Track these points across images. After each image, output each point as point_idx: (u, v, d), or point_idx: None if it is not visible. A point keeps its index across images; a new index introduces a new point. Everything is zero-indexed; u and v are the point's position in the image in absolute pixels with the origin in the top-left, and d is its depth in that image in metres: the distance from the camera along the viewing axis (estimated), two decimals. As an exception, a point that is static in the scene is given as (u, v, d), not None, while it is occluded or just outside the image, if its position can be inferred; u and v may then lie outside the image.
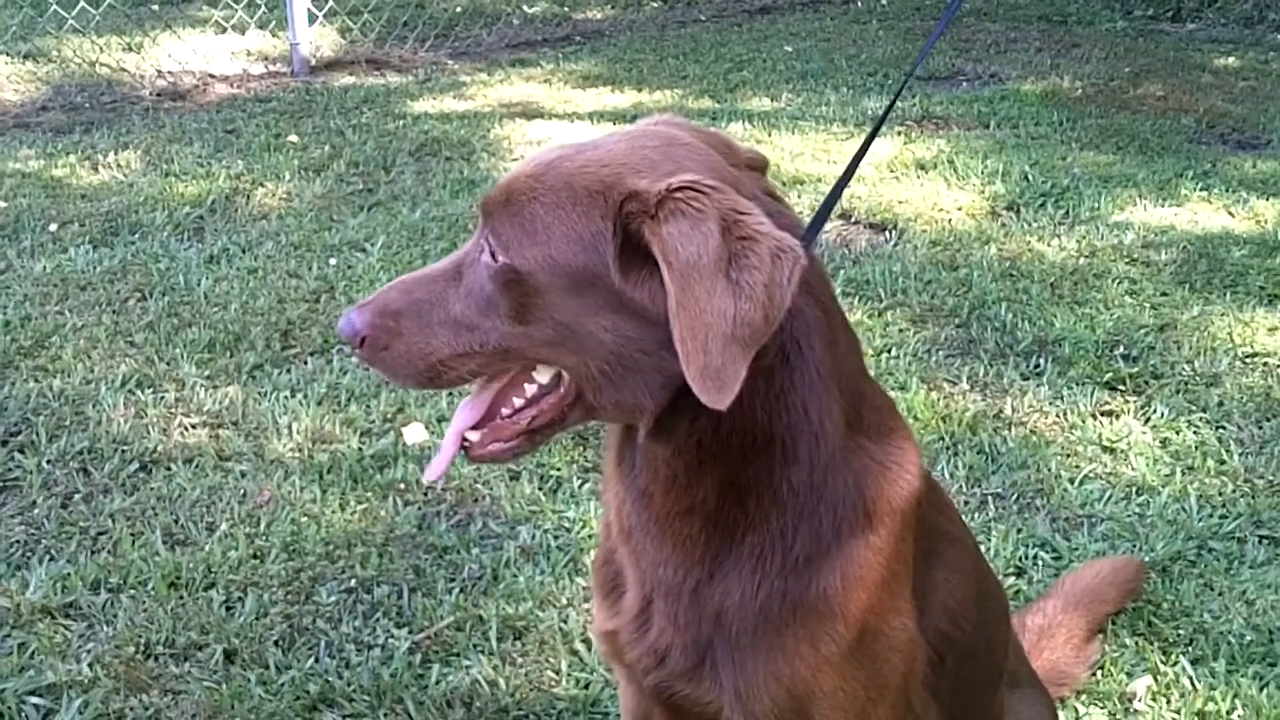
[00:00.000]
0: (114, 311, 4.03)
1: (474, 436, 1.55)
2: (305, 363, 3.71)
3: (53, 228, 4.70)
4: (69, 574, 2.79)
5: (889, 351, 3.73)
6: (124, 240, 4.60)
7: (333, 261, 4.38)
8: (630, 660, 1.61)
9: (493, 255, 1.46)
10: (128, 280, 4.26)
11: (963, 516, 2.91)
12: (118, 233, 4.68)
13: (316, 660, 2.55)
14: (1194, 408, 3.46)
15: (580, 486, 3.08)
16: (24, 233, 4.65)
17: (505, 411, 1.54)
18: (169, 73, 6.87)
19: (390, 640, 2.59)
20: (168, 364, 3.69)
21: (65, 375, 3.63)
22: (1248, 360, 3.71)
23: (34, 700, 2.45)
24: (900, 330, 3.89)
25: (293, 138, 5.78)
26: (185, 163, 5.41)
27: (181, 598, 2.73)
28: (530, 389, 1.53)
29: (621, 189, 1.39)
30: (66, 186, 5.15)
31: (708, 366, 1.32)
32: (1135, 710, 2.42)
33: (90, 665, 2.53)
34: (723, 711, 1.54)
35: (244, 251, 4.50)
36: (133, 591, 2.75)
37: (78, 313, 4.01)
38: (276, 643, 2.60)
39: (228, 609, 2.70)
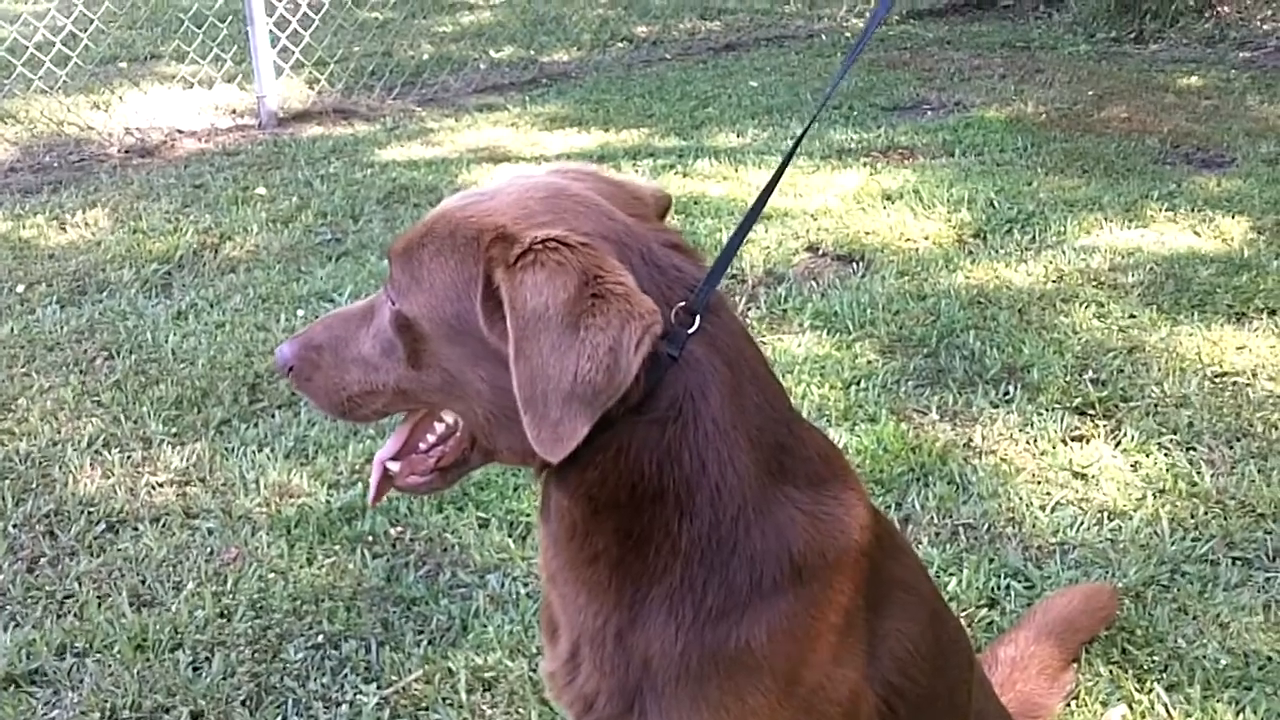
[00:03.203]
0: (81, 371, 4.01)
1: (394, 467, 1.61)
2: (273, 416, 3.69)
3: (20, 289, 4.67)
4: (34, 640, 2.76)
5: (858, 383, 3.73)
6: (91, 299, 4.58)
7: (300, 313, 4.37)
8: (565, 704, 1.60)
9: (391, 300, 1.51)
10: (95, 339, 4.23)
11: (934, 547, 2.92)
12: (85, 291, 4.66)
13: (284, 719, 2.52)
14: (1164, 430, 3.45)
15: (550, 532, 3.06)
16: (-10, 296, 4.63)
17: (421, 446, 1.59)
18: (136, 129, 6.87)
19: (359, 696, 2.56)
20: (134, 422, 3.67)
21: (31, 437, 3.60)
22: (1217, 380, 3.72)
23: (-3, 772, 2.42)
24: (869, 361, 3.88)
25: (260, 190, 5.78)
26: (153, 219, 5.40)
27: (148, 660, 2.69)
28: (439, 427, 1.57)
29: (490, 237, 1.41)
30: (34, 247, 5.13)
31: (545, 419, 1.33)
32: (1111, 740, 2.40)
33: (55, 734, 2.50)
34: None
35: (212, 306, 4.49)
36: (99, 655, 2.72)
37: (44, 374, 3.99)
38: (244, 702, 2.57)
39: (195, 670, 2.67)
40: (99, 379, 3.95)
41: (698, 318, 1.41)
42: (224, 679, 2.62)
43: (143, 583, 2.96)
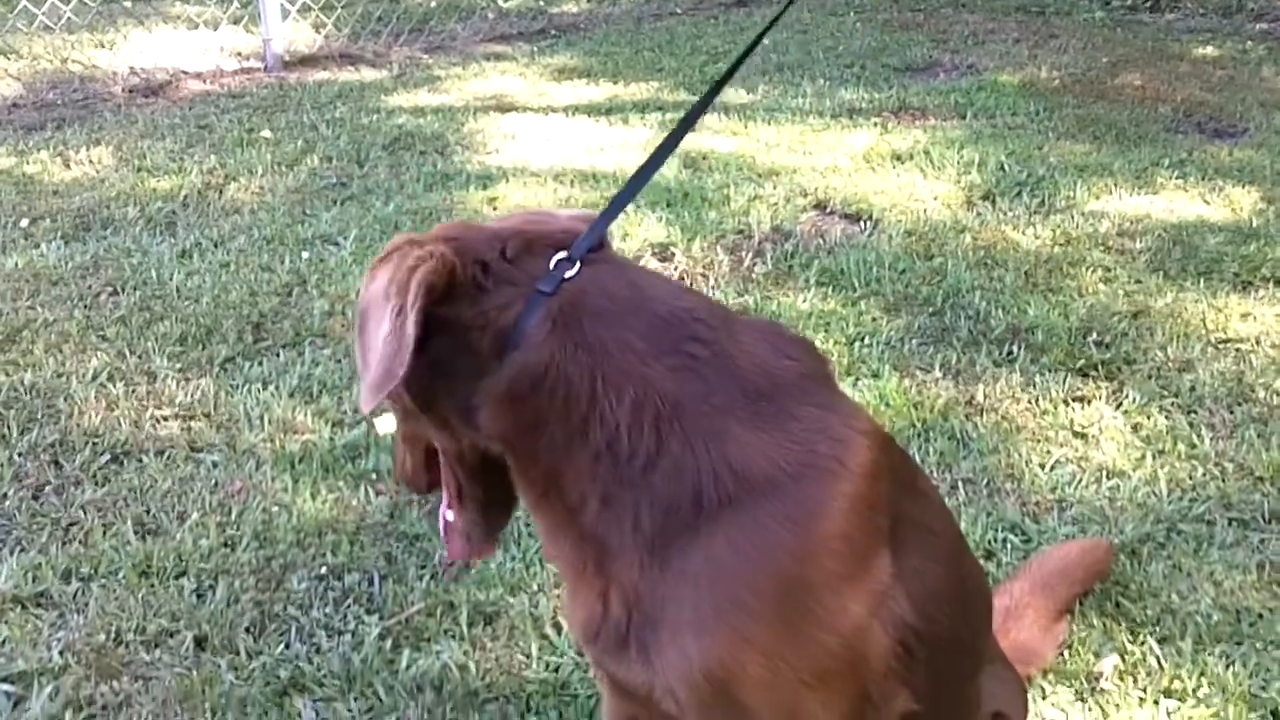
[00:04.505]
0: (86, 306, 4.01)
1: (449, 515, 1.70)
2: (277, 355, 3.69)
3: (24, 224, 4.67)
4: (40, 564, 2.78)
5: (862, 340, 3.74)
6: (96, 235, 4.58)
7: (305, 255, 4.37)
8: (577, 636, 1.58)
9: None
10: (100, 275, 4.24)
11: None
12: (90, 228, 4.65)
13: (287, 646, 2.54)
14: (1166, 393, 3.47)
15: (553, 474, 3.08)
16: (-4, 228, 4.63)
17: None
18: (141, 69, 6.84)
19: (361, 626, 2.58)
20: (139, 357, 3.68)
21: (36, 369, 3.61)
22: (1220, 346, 3.73)
23: (4, 688, 2.44)
24: (874, 319, 3.89)
25: (266, 133, 5.76)
26: (158, 158, 5.39)
27: (152, 586, 2.71)
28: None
29: None
30: (38, 183, 5.12)
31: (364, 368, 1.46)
32: (1102, 689, 2.42)
33: (61, 653, 2.52)
34: (654, 694, 1.49)
35: (216, 246, 4.48)
36: (104, 580, 2.74)
37: (49, 307, 3.99)
38: (247, 629, 2.59)
39: (198, 597, 2.69)
40: (104, 314, 3.95)
41: (578, 263, 1.49)
42: (228, 606, 2.65)
43: (147, 512, 2.98)
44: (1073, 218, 4.66)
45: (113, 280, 4.20)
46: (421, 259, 1.44)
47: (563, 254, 1.50)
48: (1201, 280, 4.13)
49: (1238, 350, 3.70)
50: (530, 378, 1.44)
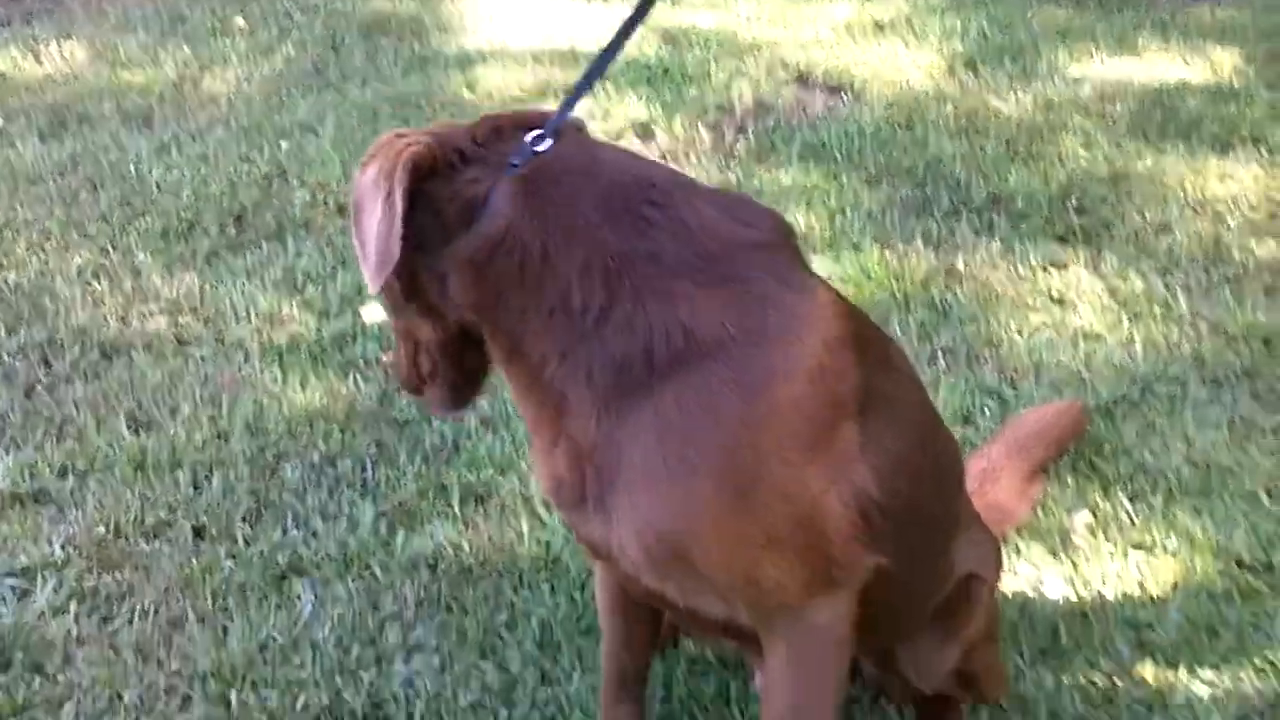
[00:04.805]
0: (66, 204, 4.00)
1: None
2: (260, 247, 3.70)
3: (-1, 122, 4.64)
4: (35, 462, 2.83)
5: (844, 212, 3.75)
6: (72, 132, 4.54)
7: (284, 145, 4.34)
8: (545, 490, 1.65)
9: None
10: (78, 172, 4.22)
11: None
12: (66, 125, 4.62)
13: (284, 533, 2.61)
14: (1143, 256, 3.50)
15: (538, 356, 3.12)
16: (-31, 128, 4.59)
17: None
18: (110, -41, 6.68)
19: (355, 511, 2.65)
20: (123, 254, 3.69)
21: (20, 269, 3.62)
22: (1198, 208, 3.75)
23: (10, 582, 2.51)
24: (855, 191, 3.90)
25: (239, 22, 5.67)
26: (131, 51, 5.31)
27: (148, 479, 2.77)
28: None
29: None
30: (9, 80, 5.06)
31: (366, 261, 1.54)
32: (1074, 544, 2.51)
33: (62, 547, 2.58)
34: (613, 553, 1.56)
35: (194, 139, 4.46)
36: (100, 475, 2.79)
37: (29, 206, 3.99)
38: (244, 518, 2.66)
39: (195, 488, 2.75)
40: (84, 211, 3.95)
41: (548, 139, 1.54)
42: (224, 496, 2.71)
43: (139, 407, 3.03)
44: (1054, 83, 4.64)
45: (91, 177, 4.18)
46: (407, 145, 1.52)
47: (536, 131, 1.56)
48: (1181, 142, 4.13)
49: (1215, 211, 3.72)
50: (490, 243, 1.50)
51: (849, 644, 1.65)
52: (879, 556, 1.61)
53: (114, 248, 3.72)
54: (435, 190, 1.53)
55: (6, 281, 3.55)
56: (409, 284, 1.59)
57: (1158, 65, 4.82)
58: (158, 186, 4.08)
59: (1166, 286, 3.36)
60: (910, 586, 1.79)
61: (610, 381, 1.48)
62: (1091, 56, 4.87)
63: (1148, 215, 3.69)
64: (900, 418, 1.68)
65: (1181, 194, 3.81)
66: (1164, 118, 4.30)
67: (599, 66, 1.67)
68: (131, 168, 4.22)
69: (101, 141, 4.44)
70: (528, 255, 1.50)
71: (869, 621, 1.65)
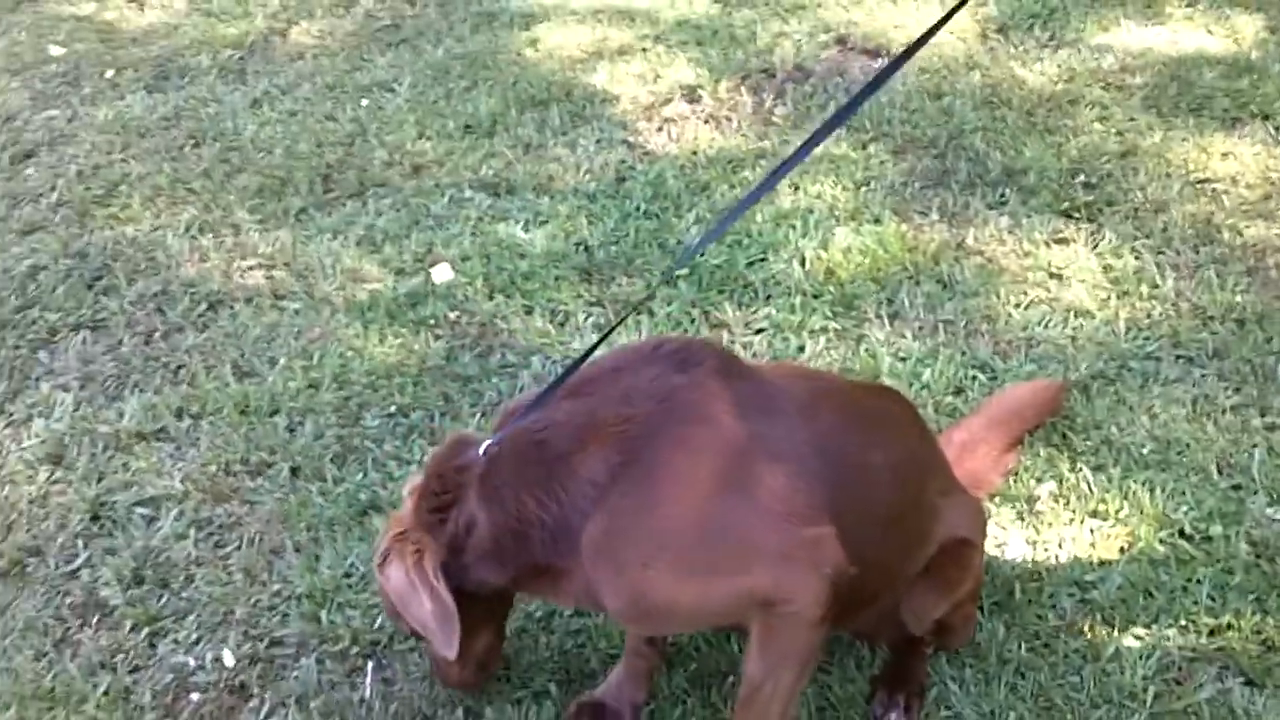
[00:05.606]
0: (172, 159, 4.47)
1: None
2: (344, 205, 4.15)
3: (109, 74, 5.10)
4: (156, 404, 3.34)
5: (868, 184, 4.09)
6: (174, 85, 5.00)
7: (364, 103, 4.76)
8: None
9: None
10: (181, 127, 4.68)
11: (915, 341, 3.36)
12: (168, 77, 5.07)
13: (365, 474, 3.09)
14: (1140, 234, 3.79)
15: (584, 320, 3.55)
16: (84, 80, 5.06)
17: None
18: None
19: (425, 457, 3.11)
20: (223, 210, 4.16)
21: (135, 223, 4.11)
22: (1198, 186, 4.01)
23: (140, 510, 3.04)
24: (881, 162, 4.23)
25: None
26: (225, 2, 5.73)
27: (251, 423, 3.27)
28: None
29: None
30: (118, 31, 5.52)
31: (429, 635, 2.20)
32: (1038, 511, 2.90)
33: (181, 481, 3.10)
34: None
35: (283, 94, 4.89)
36: (211, 418, 3.30)
37: (140, 161, 4.47)
38: (332, 460, 3.14)
39: (290, 432, 3.24)
40: (189, 167, 4.42)
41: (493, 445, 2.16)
42: (315, 440, 3.20)
43: (242, 356, 3.52)
44: (1079, 51, 4.86)
45: (194, 132, 4.64)
46: (418, 551, 2.13)
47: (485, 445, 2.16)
48: (1191, 117, 4.36)
49: (1213, 190, 3.99)
50: (482, 534, 2.14)
51: (822, 626, 2.10)
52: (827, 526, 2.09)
53: (215, 204, 4.19)
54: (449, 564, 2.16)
55: (125, 235, 4.04)
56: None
57: (1181, 33, 4.97)
58: (252, 143, 4.53)
59: (1157, 266, 3.65)
60: (883, 568, 2.29)
61: (571, 543, 2.10)
62: (1118, 24, 5.07)
63: (1149, 192, 3.97)
64: (865, 493, 2.26)
65: (1184, 171, 4.06)
66: (1179, 91, 4.51)
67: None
68: (229, 123, 4.67)
69: (200, 95, 4.89)
70: (503, 499, 2.12)
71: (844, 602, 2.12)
